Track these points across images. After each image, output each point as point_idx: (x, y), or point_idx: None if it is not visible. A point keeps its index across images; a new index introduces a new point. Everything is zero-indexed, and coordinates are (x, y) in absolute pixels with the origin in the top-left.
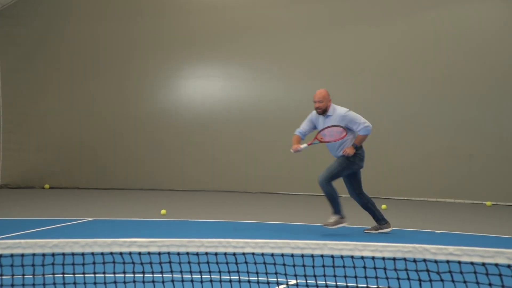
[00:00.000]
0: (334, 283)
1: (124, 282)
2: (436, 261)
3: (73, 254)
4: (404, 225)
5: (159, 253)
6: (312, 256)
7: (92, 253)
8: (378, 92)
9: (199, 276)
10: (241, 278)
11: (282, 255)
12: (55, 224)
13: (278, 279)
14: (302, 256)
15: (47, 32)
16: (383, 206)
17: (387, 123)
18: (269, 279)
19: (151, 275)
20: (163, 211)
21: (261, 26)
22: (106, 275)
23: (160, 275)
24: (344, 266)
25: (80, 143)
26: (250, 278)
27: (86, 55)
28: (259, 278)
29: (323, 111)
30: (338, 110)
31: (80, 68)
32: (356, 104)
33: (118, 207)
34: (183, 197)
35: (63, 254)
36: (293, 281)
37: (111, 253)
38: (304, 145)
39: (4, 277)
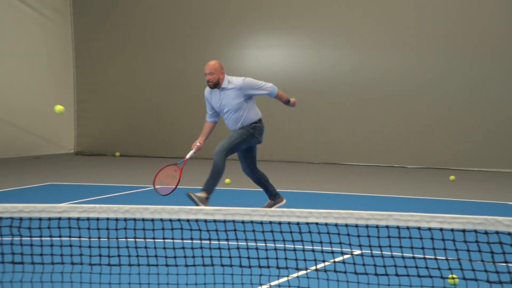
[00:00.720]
0: (400, 254)
1: (192, 248)
2: (510, 234)
3: (143, 219)
4: (474, 197)
5: (224, 221)
6: (377, 227)
7: (161, 219)
8: (447, 61)
9: (264, 244)
10: (305, 247)
11: (346, 225)
12: (126, 191)
13: (343, 249)
14: (367, 226)
15: (118, 1)
16: (451, 177)
17: (454, 93)
18: (333, 248)
19: (217, 242)
20: (227, 180)
21: None
22: (175, 240)
23: (226, 242)
24: (410, 237)
25: (148, 111)
26: (314, 247)
27: (154, 24)
28: (323, 248)
29: (214, 84)
30: (235, 81)
31: (149, 37)
32: (424, 75)
33: (184, 175)
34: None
35: (134, 219)
36: (357, 251)
37: (179, 220)
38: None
39: (82, 239)
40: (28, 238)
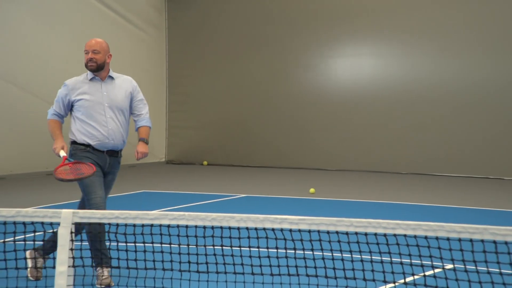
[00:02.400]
0: (498, 270)
1: (277, 257)
2: None
3: (229, 228)
4: None
5: (309, 231)
6: (471, 240)
7: (247, 228)
8: None
9: (349, 255)
10: (392, 259)
11: (437, 238)
12: (213, 199)
13: (433, 263)
14: (460, 240)
15: (208, 14)
16: (311, 190)
17: None
18: (423, 262)
19: (302, 252)
20: (312, 190)
21: (409, 1)
22: (260, 249)
23: (311, 252)
24: (509, 253)
25: (234, 121)
26: (403, 260)
27: (242, 36)
28: (412, 261)
29: (97, 67)
30: (124, 76)
31: (234, 49)
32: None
33: (268, 185)
34: (330, 176)
35: (221, 227)
36: (449, 266)
37: (264, 229)
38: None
39: (172, 245)
40: (124, 244)
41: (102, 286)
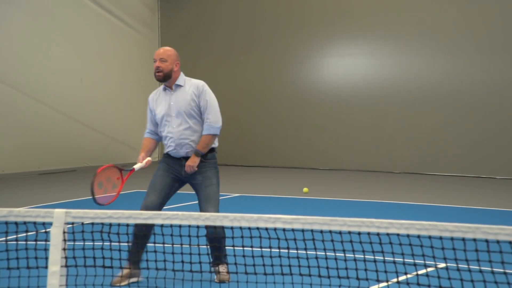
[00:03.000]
0: (490, 269)
1: (270, 257)
2: None
3: (223, 227)
4: None
5: (303, 230)
6: (463, 239)
7: (240, 227)
8: None
9: (343, 254)
10: (386, 258)
11: (430, 237)
12: None
13: (426, 262)
14: (452, 239)
15: (201, 14)
16: (305, 190)
17: None
18: (416, 261)
19: (295, 251)
20: (305, 189)
21: (403, 1)
22: (253, 249)
23: (305, 252)
24: (501, 252)
25: (229, 121)
26: (396, 259)
27: (233, 36)
28: (405, 260)
29: (164, 76)
30: (194, 80)
31: (228, 49)
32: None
33: (262, 184)
34: (325, 176)
35: (215, 227)
36: (442, 265)
37: (258, 228)
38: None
39: (166, 245)
40: (117, 244)
41: (221, 283)
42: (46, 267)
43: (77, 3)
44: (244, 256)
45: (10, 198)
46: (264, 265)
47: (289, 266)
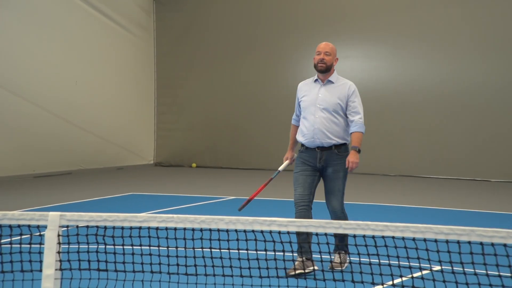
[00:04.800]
0: (484, 271)
1: (266, 260)
2: None
3: (218, 230)
4: None
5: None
6: (458, 242)
7: (236, 230)
8: None
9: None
10: (381, 261)
11: (425, 240)
12: (202, 202)
13: (421, 264)
14: (447, 242)
15: (196, 16)
16: None
17: None
18: (411, 263)
19: (291, 254)
20: None
21: (400, 2)
22: (249, 251)
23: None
24: (495, 255)
25: (223, 123)
26: (391, 262)
27: (229, 39)
28: (400, 263)
29: (326, 68)
30: (346, 80)
31: (223, 51)
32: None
33: (257, 187)
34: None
35: (210, 230)
36: (437, 267)
37: (253, 231)
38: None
39: (161, 248)
40: (112, 246)
41: (335, 269)
42: (41, 271)
43: (72, 5)
44: (239, 259)
45: (4, 201)
46: (259, 268)
47: (285, 269)
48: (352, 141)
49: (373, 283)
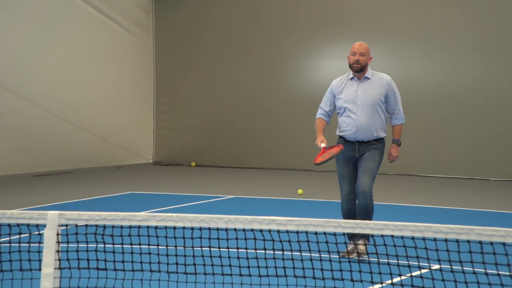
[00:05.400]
0: (483, 270)
1: (265, 259)
2: None
3: (217, 229)
4: None
5: (297, 232)
6: (457, 241)
7: (235, 229)
8: None
9: (337, 256)
10: (380, 260)
11: (424, 238)
12: (201, 200)
13: (420, 263)
14: (446, 240)
15: (195, 15)
16: (299, 191)
17: None
18: (410, 262)
19: (290, 253)
20: (300, 191)
21: (400, 2)
22: (248, 250)
23: (299, 253)
24: (494, 253)
25: (222, 123)
26: (390, 260)
27: (228, 38)
28: (399, 261)
29: (361, 68)
30: (381, 74)
31: (223, 50)
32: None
33: (256, 186)
34: (319, 178)
35: (209, 228)
36: (436, 266)
37: (252, 230)
38: (322, 145)
39: (160, 247)
40: (111, 245)
41: (359, 254)
42: (40, 269)
43: (72, 5)
44: (238, 258)
45: (3, 200)
46: (258, 267)
47: (284, 268)
48: (394, 134)
49: (372, 282)
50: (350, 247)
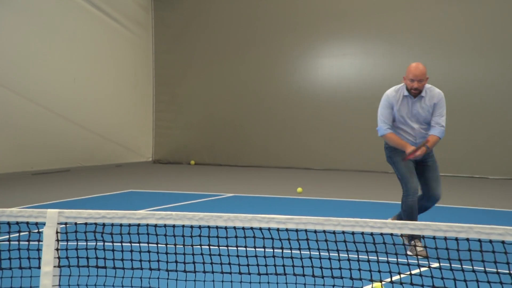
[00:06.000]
0: (483, 268)
1: (264, 257)
2: None
3: (217, 227)
4: None
5: (297, 230)
6: (457, 239)
7: (234, 227)
8: None
9: (336, 254)
10: (379, 258)
11: (423, 237)
12: (200, 199)
13: (419, 261)
14: (445, 239)
15: (194, 14)
16: (299, 190)
17: None
18: (409, 260)
19: (289, 251)
20: (299, 189)
21: (399, 0)
22: (248, 248)
23: (298, 252)
24: (493, 251)
25: (222, 121)
26: (389, 259)
27: (227, 36)
28: (399, 260)
29: (419, 93)
30: (435, 90)
31: (222, 49)
32: (496, 84)
33: (255, 184)
34: (319, 176)
35: (208, 227)
36: (435, 264)
37: (251, 228)
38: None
39: (159, 245)
40: (110, 244)
41: (419, 256)
42: (39, 267)
43: (71, 3)
44: (238, 256)
45: (2, 198)
46: (258, 265)
47: (283, 266)
48: (429, 141)
49: (372, 280)
50: (420, 250)
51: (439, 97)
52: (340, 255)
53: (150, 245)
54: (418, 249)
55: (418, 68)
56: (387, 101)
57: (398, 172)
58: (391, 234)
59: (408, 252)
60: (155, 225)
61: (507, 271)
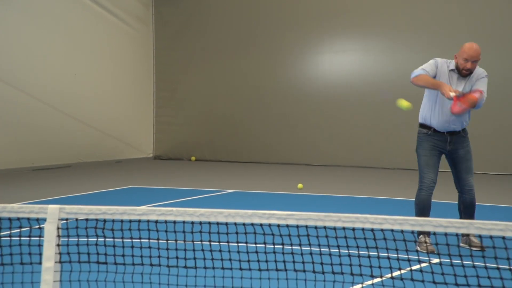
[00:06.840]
0: (483, 264)
1: (265, 253)
2: None
3: (217, 223)
4: None
5: (297, 226)
6: (457, 235)
7: (235, 223)
8: None
9: (337, 250)
10: (380, 254)
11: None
12: (201, 195)
13: (420, 257)
14: (446, 234)
15: (195, 9)
16: (299, 186)
17: None
18: (410, 256)
19: (290, 247)
20: (299, 185)
21: None
22: (248, 245)
23: (299, 247)
24: (494, 247)
25: (222, 117)
26: (390, 254)
27: (228, 33)
28: (399, 255)
29: (470, 73)
30: (479, 68)
31: (222, 45)
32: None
33: (256, 180)
34: (319, 172)
35: (209, 223)
36: (436, 260)
37: (252, 224)
38: (452, 94)
39: (160, 241)
40: (111, 239)
41: (428, 252)
42: (40, 263)
43: None
44: (238, 252)
45: (3, 194)
46: (258, 261)
47: (284, 262)
48: (467, 94)
49: (372, 276)
50: (430, 247)
51: (482, 75)
52: (341, 251)
53: (151, 241)
54: (428, 244)
55: (473, 48)
56: (435, 62)
57: (418, 164)
58: (392, 230)
59: (417, 248)
60: (156, 221)
61: (508, 267)
